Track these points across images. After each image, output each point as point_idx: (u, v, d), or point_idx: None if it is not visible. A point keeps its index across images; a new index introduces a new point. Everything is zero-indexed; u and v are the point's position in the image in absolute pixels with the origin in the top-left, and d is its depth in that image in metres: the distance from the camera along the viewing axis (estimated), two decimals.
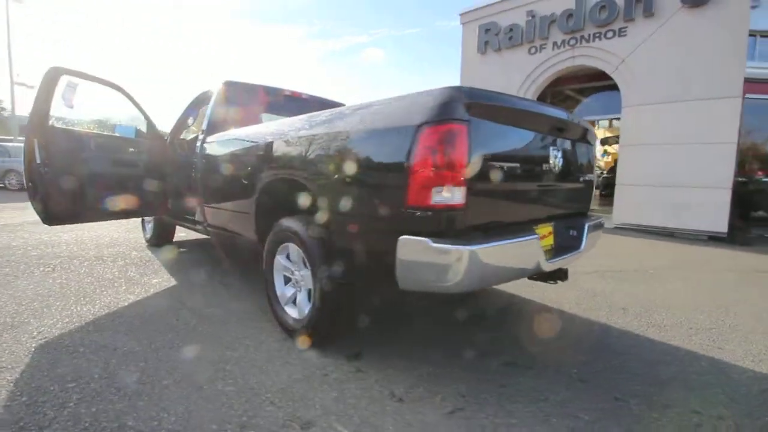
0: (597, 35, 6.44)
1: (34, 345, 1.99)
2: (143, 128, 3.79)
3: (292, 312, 2.13)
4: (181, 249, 4.25)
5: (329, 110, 1.88)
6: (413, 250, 1.43)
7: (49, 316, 2.35)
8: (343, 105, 4.00)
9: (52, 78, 2.85)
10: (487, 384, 1.76)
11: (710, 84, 5.46)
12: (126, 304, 2.60)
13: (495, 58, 7.82)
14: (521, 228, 1.74)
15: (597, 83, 7.38)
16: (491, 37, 7.75)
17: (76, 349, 1.95)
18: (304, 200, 2.11)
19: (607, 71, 6.48)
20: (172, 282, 3.10)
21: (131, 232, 5.10)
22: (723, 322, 2.63)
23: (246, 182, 2.39)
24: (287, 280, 2.22)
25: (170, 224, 4.23)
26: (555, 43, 6.97)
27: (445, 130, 1.36)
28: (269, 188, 2.23)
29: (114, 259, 3.75)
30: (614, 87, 7.22)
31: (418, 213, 1.42)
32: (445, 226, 1.42)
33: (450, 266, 1.38)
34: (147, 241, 4.39)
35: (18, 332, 2.11)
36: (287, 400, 1.59)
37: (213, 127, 3.05)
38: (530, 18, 7.15)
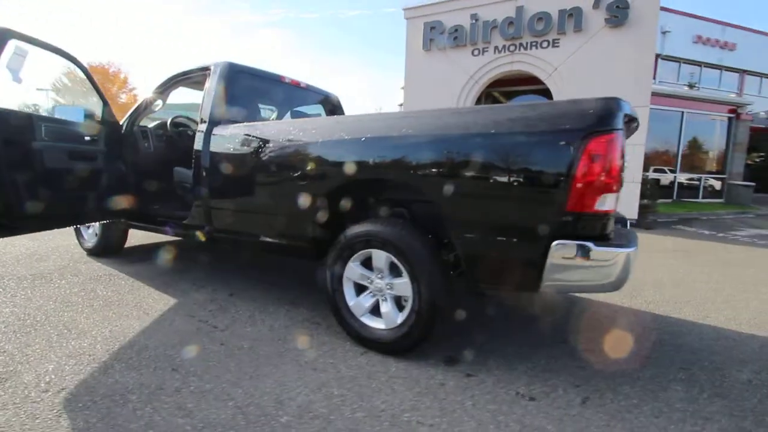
0: (534, 44, 7.15)
1: (56, 400, 1.50)
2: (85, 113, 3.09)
3: (374, 323, 1.98)
4: (139, 257, 3.56)
5: (453, 109, 1.77)
6: (571, 254, 1.45)
7: (41, 358, 1.80)
8: (337, 96, 3.79)
9: None
10: (586, 371, 1.88)
11: (626, 94, 6.48)
12: (136, 332, 2.11)
13: (440, 57, 8.12)
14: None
15: (528, 87, 8.20)
16: (436, 36, 8.02)
17: (125, 397, 1.54)
18: (406, 204, 1.99)
19: (542, 78, 7.25)
20: (170, 299, 2.60)
21: (46, 240, 4.07)
22: (693, 295, 3.20)
23: (303, 184, 2.11)
24: (359, 290, 2.05)
25: (123, 229, 3.51)
26: (496, 48, 7.53)
27: (611, 139, 1.41)
28: (346, 191, 2.01)
29: (61, 275, 2.99)
30: (540, 92, 8.13)
31: (577, 218, 1.45)
32: (599, 230, 1.47)
33: (607, 268, 1.44)
34: (88, 250, 3.56)
35: (16, 387, 1.57)
36: (431, 416, 1.50)
37: (222, 117, 2.60)
38: (474, 21, 7.59)
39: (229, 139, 2.47)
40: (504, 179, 1.56)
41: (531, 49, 7.19)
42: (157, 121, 3.59)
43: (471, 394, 1.65)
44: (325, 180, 2.07)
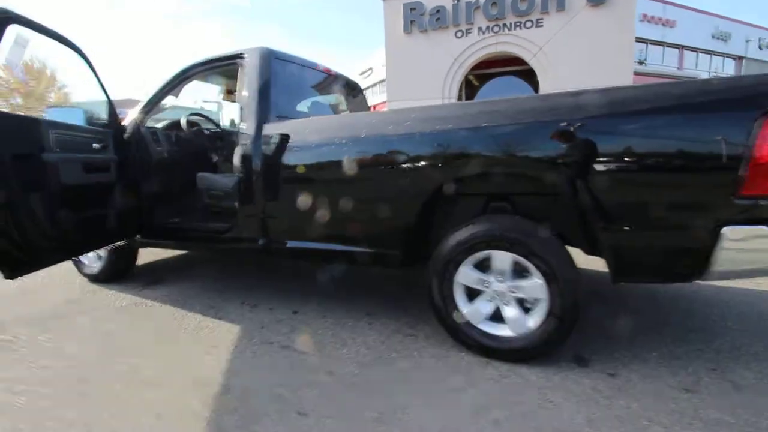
0: (518, 24, 7.15)
1: None
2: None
3: (496, 330, 1.83)
4: (153, 278, 3.12)
5: (597, 89, 1.60)
6: (747, 239, 1.38)
7: (128, 424, 1.46)
8: (358, 84, 3.51)
9: None
10: (706, 352, 1.85)
11: (608, 72, 6.70)
12: (218, 371, 1.81)
13: (422, 39, 7.90)
14: None
15: (508, 68, 8.24)
16: (417, 17, 7.78)
17: None
18: (507, 197, 1.84)
19: (526, 58, 7.30)
20: (230, 325, 2.27)
21: None
22: None
23: (394, 183, 1.88)
24: (471, 294, 1.88)
25: (134, 248, 3.06)
26: (480, 29, 7.45)
27: None
28: (447, 188, 1.81)
29: (78, 311, 2.53)
30: (520, 72, 8.22)
31: (752, 201, 1.37)
32: None
33: None
34: (92, 276, 3.05)
35: None
36: (615, 429, 1.38)
37: (271, 112, 2.26)
38: (456, 2, 7.43)
39: (288, 137, 2.15)
40: (665, 164, 1.46)
41: (515, 29, 7.19)
42: (165, 121, 3.11)
43: (632, 396, 1.56)
44: (423, 178, 1.85)
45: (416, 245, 2.02)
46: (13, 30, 1.75)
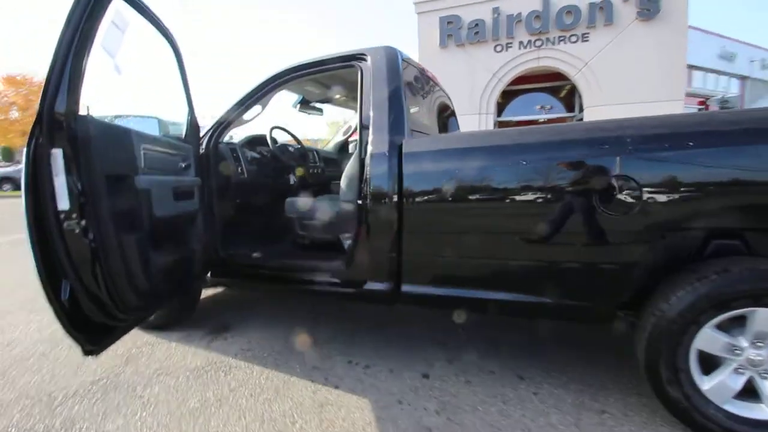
0: (561, 39, 6.88)
1: None
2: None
3: (752, 412, 1.37)
4: (218, 322, 2.59)
5: None
6: None
7: None
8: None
9: (97, 4, 1.19)
10: None
11: (658, 88, 6.43)
12: None
13: (459, 53, 7.60)
14: None
15: (542, 84, 7.97)
16: (454, 31, 7.49)
17: None
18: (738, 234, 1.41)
19: (570, 74, 7.01)
20: (355, 399, 1.76)
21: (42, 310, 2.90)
22: None
23: (627, 212, 1.43)
24: (710, 364, 1.42)
25: (199, 289, 2.54)
26: (521, 43, 7.17)
27: None
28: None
29: (143, 376, 1.97)
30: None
31: None
32: None
33: None
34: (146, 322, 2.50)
35: None
36: None
37: (406, 126, 1.82)
38: (496, 15, 7.17)
39: (444, 156, 1.69)
40: None
41: (558, 44, 6.92)
42: (239, 137, 2.64)
43: None
44: (660, 207, 1.40)
45: (624, 295, 1.55)
46: (114, 7, 1.28)
